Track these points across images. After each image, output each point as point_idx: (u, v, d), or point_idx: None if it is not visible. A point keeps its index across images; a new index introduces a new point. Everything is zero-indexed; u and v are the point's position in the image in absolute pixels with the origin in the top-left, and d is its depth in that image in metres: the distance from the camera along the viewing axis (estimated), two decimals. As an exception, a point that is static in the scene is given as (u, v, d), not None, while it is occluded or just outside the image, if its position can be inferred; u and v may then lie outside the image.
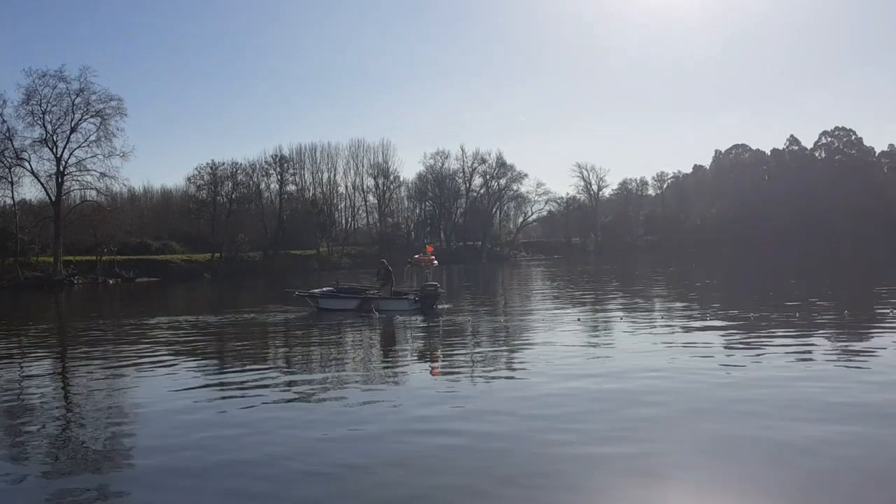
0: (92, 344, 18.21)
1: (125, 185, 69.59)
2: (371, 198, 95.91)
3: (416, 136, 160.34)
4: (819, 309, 19.44)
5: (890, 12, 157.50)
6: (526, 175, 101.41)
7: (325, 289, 26.96)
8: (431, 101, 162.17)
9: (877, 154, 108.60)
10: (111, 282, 60.01)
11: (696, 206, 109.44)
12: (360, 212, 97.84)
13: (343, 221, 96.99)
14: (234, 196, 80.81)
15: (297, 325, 21.54)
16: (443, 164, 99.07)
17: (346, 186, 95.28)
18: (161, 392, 10.99)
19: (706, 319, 18.09)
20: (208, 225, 77.33)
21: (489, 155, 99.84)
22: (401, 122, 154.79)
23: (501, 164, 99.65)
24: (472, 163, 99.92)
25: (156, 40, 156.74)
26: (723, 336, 15.10)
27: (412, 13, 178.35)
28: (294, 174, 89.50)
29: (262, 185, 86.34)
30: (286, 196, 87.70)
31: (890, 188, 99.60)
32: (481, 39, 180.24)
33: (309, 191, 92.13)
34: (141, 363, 14.12)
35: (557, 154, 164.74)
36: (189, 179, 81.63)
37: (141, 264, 65.31)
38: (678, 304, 23.65)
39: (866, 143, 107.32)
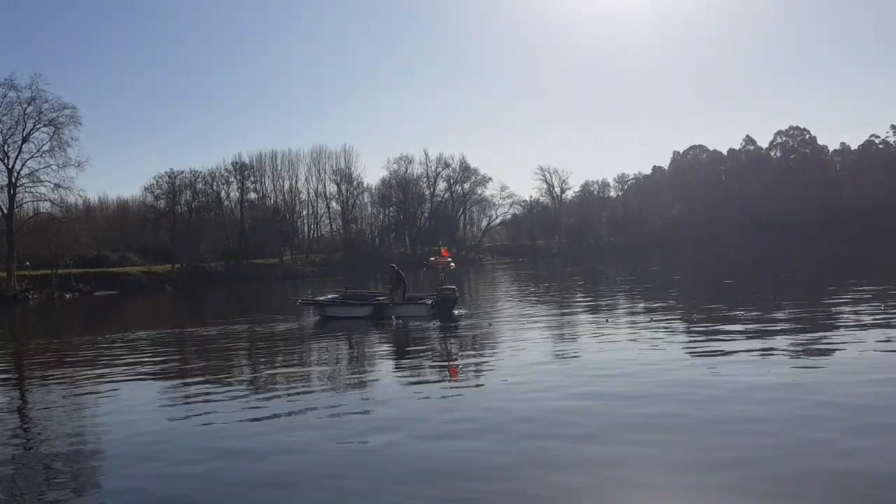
0: (49, 364, 17.38)
1: (80, 196, 67.58)
2: (334, 204, 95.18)
3: (380, 142, 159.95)
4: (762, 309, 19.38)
5: (840, 16, 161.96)
6: (490, 179, 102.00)
7: (330, 296, 25.83)
8: (394, 106, 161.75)
9: (830, 152, 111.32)
10: (68, 296, 58.27)
11: (657, 207, 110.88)
12: (324, 219, 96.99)
13: (306, 229, 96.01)
14: (193, 205, 79.39)
15: (304, 335, 20.55)
16: (406, 169, 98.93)
17: (309, 193, 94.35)
18: (138, 414, 10.42)
19: (693, 322, 18.01)
20: (167, 235, 75.83)
21: (452, 159, 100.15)
22: (363, 128, 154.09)
23: (465, 167, 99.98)
24: (436, 167, 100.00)
25: (111, 47, 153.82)
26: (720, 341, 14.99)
27: (371, 19, 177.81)
28: (255, 182, 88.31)
29: (223, 194, 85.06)
30: (247, 204, 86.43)
31: (843, 185, 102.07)
32: (442, 44, 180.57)
33: (270, 198, 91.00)
34: (110, 382, 13.46)
35: (521, 157, 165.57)
36: (146, 189, 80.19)
37: (98, 277, 63.52)
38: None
39: (819, 141, 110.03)
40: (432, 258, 25.06)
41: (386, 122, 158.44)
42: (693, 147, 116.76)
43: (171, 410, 10.58)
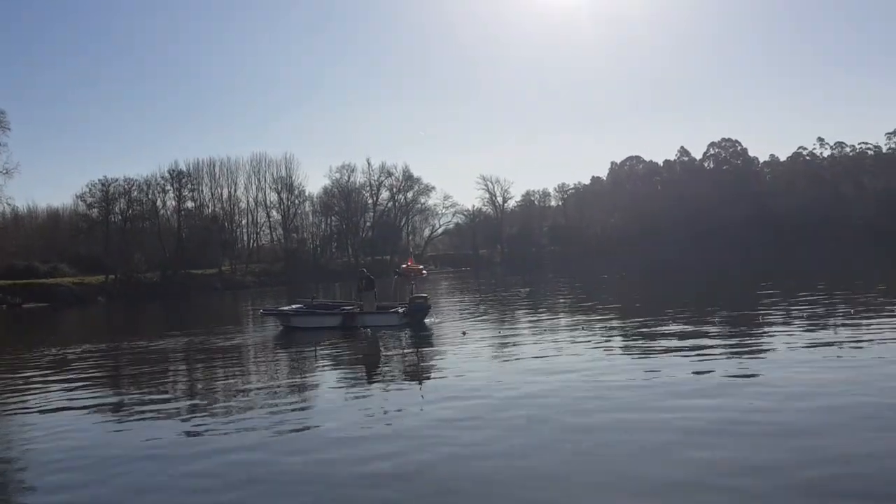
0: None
1: (9, 205, 65.07)
2: (275, 213, 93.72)
3: (322, 151, 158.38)
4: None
5: (771, 32, 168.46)
6: (433, 188, 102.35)
7: (295, 306, 25.06)
8: (336, 115, 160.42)
9: (760, 164, 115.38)
10: (-6, 309, 55.80)
11: (596, 216, 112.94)
12: (264, 228, 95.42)
13: (245, 238, 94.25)
14: (128, 214, 77.13)
15: (267, 347, 19.93)
16: (349, 178, 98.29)
17: (248, 202, 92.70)
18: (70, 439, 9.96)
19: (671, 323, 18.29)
20: (101, 245, 73.41)
21: (395, 168, 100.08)
22: (305, 137, 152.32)
23: (408, 176, 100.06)
24: (379, 176, 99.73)
25: (42, 49, 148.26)
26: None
27: (312, 27, 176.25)
28: (193, 190, 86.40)
29: (159, 202, 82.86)
30: (184, 213, 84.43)
31: (772, 195, 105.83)
32: (386, 54, 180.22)
33: (208, 207, 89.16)
34: (41, 399, 12.84)
35: (464, 166, 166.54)
36: (78, 197, 77.59)
37: (28, 289, 61.02)
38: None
39: (751, 153, 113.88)
40: (403, 265, 24.38)
41: (328, 131, 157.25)
42: (630, 158, 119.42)
43: (112, 430, 10.16)
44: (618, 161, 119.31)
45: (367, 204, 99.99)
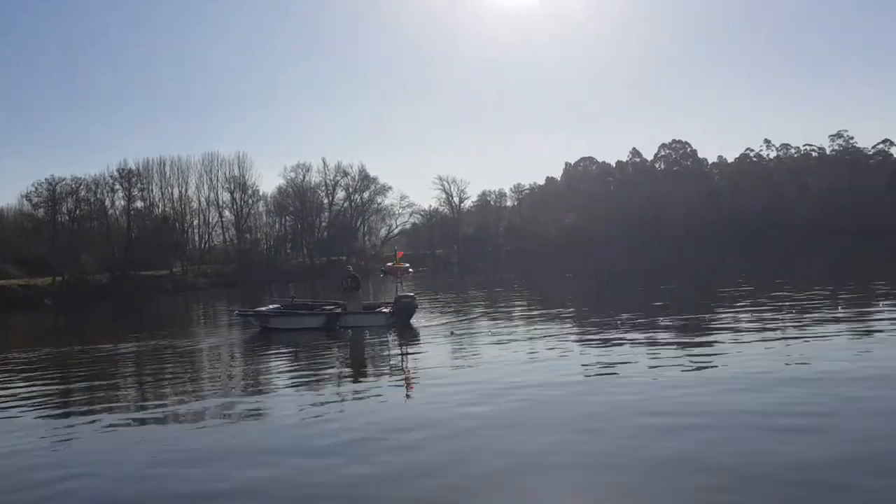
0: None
1: (-52, 205, 62.82)
2: (227, 213, 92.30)
3: (276, 151, 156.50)
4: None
5: (719, 35, 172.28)
6: (390, 187, 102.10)
7: (272, 306, 24.03)
8: (291, 115, 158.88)
9: (709, 165, 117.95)
10: (-67, 313, 53.83)
11: (551, 216, 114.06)
12: (216, 228, 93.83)
13: (197, 239, 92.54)
14: (76, 214, 75.27)
15: (245, 350, 19.26)
16: (304, 178, 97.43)
17: (200, 202, 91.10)
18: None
19: (621, 328, 18.59)
20: (47, 246, 71.44)
21: (351, 167, 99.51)
22: (258, 137, 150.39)
23: (364, 176, 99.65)
24: (335, 175, 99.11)
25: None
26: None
27: (266, 27, 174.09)
28: (143, 189, 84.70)
29: (108, 202, 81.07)
30: (134, 213, 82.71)
31: (721, 196, 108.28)
32: (341, 54, 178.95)
33: (159, 207, 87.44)
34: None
35: (421, 166, 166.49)
36: (24, 196, 75.50)
37: (-31, 291, 59.11)
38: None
39: (700, 154, 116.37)
40: (389, 264, 23.33)
41: (282, 131, 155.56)
42: (584, 159, 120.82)
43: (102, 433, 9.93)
44: (572, 162, 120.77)
45: (323, 204, 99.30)
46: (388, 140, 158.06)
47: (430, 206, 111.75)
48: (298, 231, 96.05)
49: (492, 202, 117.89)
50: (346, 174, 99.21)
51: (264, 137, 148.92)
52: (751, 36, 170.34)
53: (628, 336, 16.41)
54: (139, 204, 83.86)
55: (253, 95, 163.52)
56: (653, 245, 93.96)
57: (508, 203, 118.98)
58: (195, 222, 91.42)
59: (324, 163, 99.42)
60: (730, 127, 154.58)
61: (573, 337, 17.33)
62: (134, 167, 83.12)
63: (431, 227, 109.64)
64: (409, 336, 19.46)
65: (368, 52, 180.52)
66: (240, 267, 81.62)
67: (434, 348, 16.75)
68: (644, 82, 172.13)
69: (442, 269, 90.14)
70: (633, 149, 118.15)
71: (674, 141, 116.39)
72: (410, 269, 23.42)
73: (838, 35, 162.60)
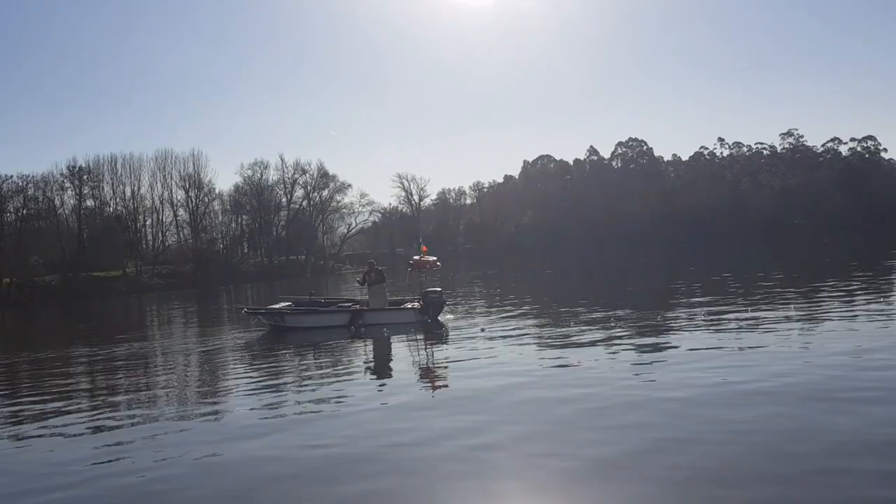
0: None
1: None
2: (182, 212, 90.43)
3: (232, 148, 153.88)
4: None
5: (675, 34, 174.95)
6: (349, 186, 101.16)
7: (283, 304, 22.46)
8: (248, 113, 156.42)
9: (664, 163, 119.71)
10: None
11: (510, 215, 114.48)
12: (171, 227, 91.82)
13: (151, 239, 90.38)
14: (24, 213, 72.90)
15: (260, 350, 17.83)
16: (261, 176, 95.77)
17: (154, 200, 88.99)
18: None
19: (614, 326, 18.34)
20: (-8, 247, 69.07)
21: (310, 165, 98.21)
22: (214, 135, 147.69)
23: (323, 174, 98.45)
24: (293, 173, 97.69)
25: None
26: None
27: (221, 26, 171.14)
28: (94, 188, 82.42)
29: (57, 201, 78.77)
30: (85, 212, 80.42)
31: (677, 193, 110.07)
32: (298, 52, 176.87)
33: (110, 206, 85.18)
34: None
35: (380, 165, 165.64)
36: (-33, 195, 72.68)
37: None
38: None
39: (656, 153, 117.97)
40: (416, 257, 21.64)
41: (239, 129, 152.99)
42: (541, 157, 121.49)
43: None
44: (530, 160, 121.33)
45: (281, 202, 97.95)
46: (347, 138, 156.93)
47: (390, 204, 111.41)
48: (256, 230, 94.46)
49: (451, 200, 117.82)
50: (304, 172, 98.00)
51: (220, 135, 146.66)
52: (703, 36, 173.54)
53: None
54: (90, 203, 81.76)
55: (208, 92, 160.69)
56: (609, 242, 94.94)
57: (468, 201, 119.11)
58: (149, 221, 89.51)
59: (282, 160, 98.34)
60: (684, 126, 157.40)
61: (628, 339, 15.36)
62: (84, 165, 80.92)
63: (391, 226, 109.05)
64: (442, 334, 18.23)
65: (325, 49, 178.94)
66: (196, 267, 79.94)
67: (474, 346, 15.65)
68: (600, 81, 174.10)
69: (402, 268, 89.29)
70: (591, 147, 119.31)
71: (630, 139, 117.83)
72: (439, 263, 21.67)
73: (788, 36, 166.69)
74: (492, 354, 14.43)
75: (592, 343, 14.79)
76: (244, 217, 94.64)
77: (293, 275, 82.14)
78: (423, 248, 21.97)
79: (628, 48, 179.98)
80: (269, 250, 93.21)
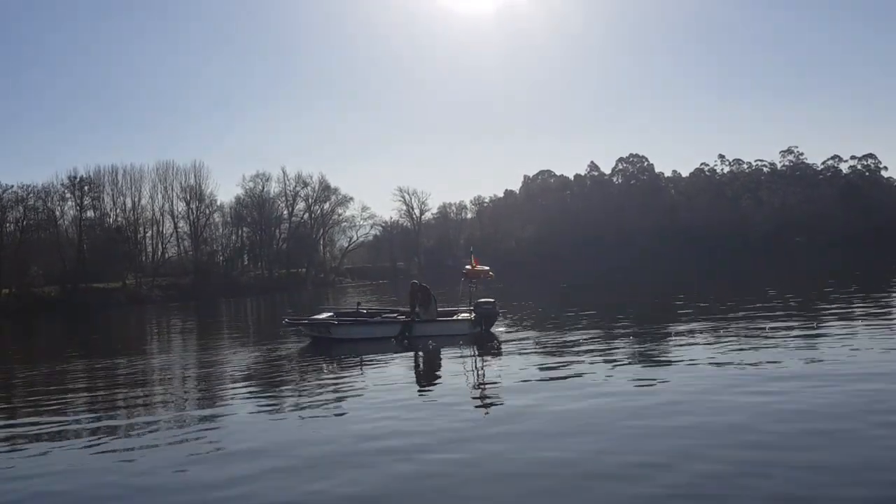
0: None
1: None
2: (183, 224, 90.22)
3: (234, 159, 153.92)
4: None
5: (677, 52, 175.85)
6: (351, 199, 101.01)
7: (326, 314, 21.99)
8: (249, 124, 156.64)
9: (665, 179, 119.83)
10: None
11: (511, 229, 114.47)
12: (171, 239, 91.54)
13: (151, 250, 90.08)
14: (24, 224, 72.68)
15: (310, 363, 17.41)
16: (263, 188, 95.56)
17: (154, 212, 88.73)
18: None
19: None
20: (-8, 257, 68.79)
21: (311, 178, 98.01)
22: (215, 145, 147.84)
23: (325, 187, 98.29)
24: (295, 186, 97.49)
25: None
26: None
27: (221, 35, 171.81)
28: (94, 198, 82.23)
29: (58, 212, 78.60)
30: (86, 223, 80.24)
31: (678, 210, 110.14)
32: (297, 62, 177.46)
33: (111, 217, 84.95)
34: None
35: (382, 178, 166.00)
36: (-32, 206, 72.48)
37: None
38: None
39: (657, 168, 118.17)
40: (468, 267, 21.27)
41: (241, 140, 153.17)
42: (542, 172, 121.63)
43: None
44: (530, 175, 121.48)
45: (283, 215, 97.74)
46: (349, 150, 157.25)
47: (391, 217, 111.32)
48: (257, 242, 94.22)
49: (452, 215, 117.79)
50: (306, 185, 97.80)
51: (222, 146, 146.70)
52: (704, 52, 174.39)
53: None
54: (91, 213, 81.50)
55: (210, 103, 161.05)
56: (610, 258, 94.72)
57: (469, 216, 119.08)
58: (149, 233, 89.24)
59: (283, 173, 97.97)
60: (685, 142, 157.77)
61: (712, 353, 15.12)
62: (85, 175, 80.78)
63: (392, 239, 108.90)
64: (496, 347, 17.93)
65: (325, 60, 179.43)
66: (197, 279, 79.65)
67: (533, 360, 15.39)
68: (601, 96, 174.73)
69: (404, 282, 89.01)
70: (591, 162, 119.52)
71: (631, 155, 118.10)
72: (492, 273, 21.42)
73: (789, 53, 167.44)
74: (548, 367, 14.14)
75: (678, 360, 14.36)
76: (245, 229, 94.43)
77: (294, 288, 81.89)
78: (475, 259, 21.55)
79: (630, 63, 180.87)
80: (269, 263, 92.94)
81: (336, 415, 11.36)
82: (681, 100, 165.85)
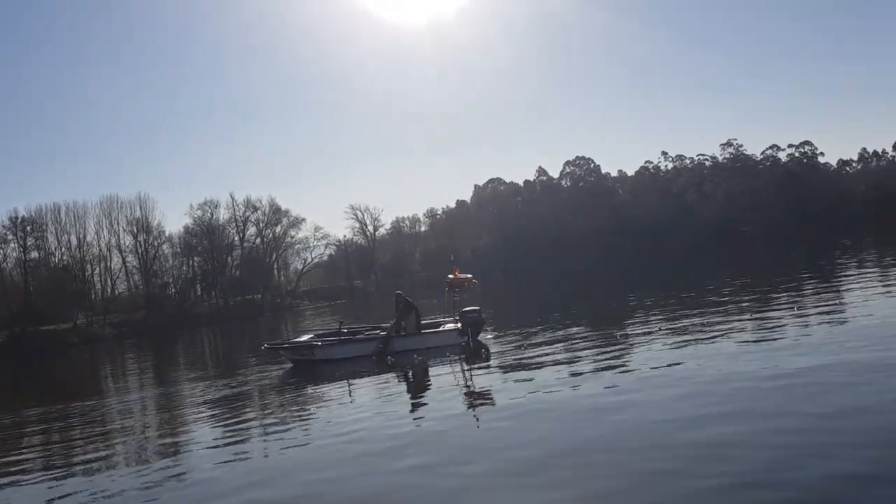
0: None
1: None
2: (131, 258, 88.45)
3: (180, 189, 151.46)
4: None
5: (612, 53, 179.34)
6: (304, 220, 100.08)
7: (307, 337, 21.97)
8: (194, 152, 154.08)
9: (612, 179, 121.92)
10: None
11: (465, 239, 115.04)
12: (120, 274, 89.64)
13: (100, 287, 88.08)
14: (-36, 270, 70.54)
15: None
16: (212, 215, 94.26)
17: (101, 248, 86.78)
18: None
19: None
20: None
21: (261, 202, 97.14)
22: (160, 175, 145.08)
23: (276, 209, 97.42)
24: (245, 211, 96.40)
25: None
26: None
27: (159, 60, 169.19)
28: (38, 238, 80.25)
29: (0, 255, 76.44)
30: (30, 264, 78.19)
31: (626, 209, 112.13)
32: (239, 86, 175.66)
33: (56, 256, 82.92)
34: None
35: (333, 197, 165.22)
36: None
37: None
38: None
39: (603, 169, 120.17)
40: (450, 276, 21.25)
41: (186, 169, 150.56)
42: (492, 180, 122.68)
43: None
44: (480, 183, 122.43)
45: (234, 241, 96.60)
46: (298, 172, 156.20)
47: (345, 236, 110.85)
48: (209, 271, 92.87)
49: (406, 229, 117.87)
50: (256, 209, 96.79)
51: (167, 177, 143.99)
52: (640, 52, 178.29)
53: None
54: (35, 254, 79.51)
55: (152, 134, 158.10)
56: (564, 261, 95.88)
57: (423, 228, 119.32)
58: (97, 270, 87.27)
59: (232, 198, 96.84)
60: (629, 141, 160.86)
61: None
62: (27, 215, 78.79)
63: (347, 258, 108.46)
64: (486, 355, 17.88)
65: (267, 82, 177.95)
66: (149, 314, 78.19)
67: (519, 367, 15.35)
68: (542, 101, 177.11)
69: (362, 300, 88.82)
70: (540, 167, 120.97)
71: (578, 157, 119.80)
72: (475, 281, 21.36)
73: (723, 49, 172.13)
74: (534, 376, 14.11)
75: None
76: (196, 259, 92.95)
77: (250, 315, 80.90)
78: (456, 270, 21.56)
79: (568, 66, 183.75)
80: (223, 291, 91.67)
81: (330, 439, 11.18)
82: (621, 99, 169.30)
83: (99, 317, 77.56)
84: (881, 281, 23.55)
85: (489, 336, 20.94)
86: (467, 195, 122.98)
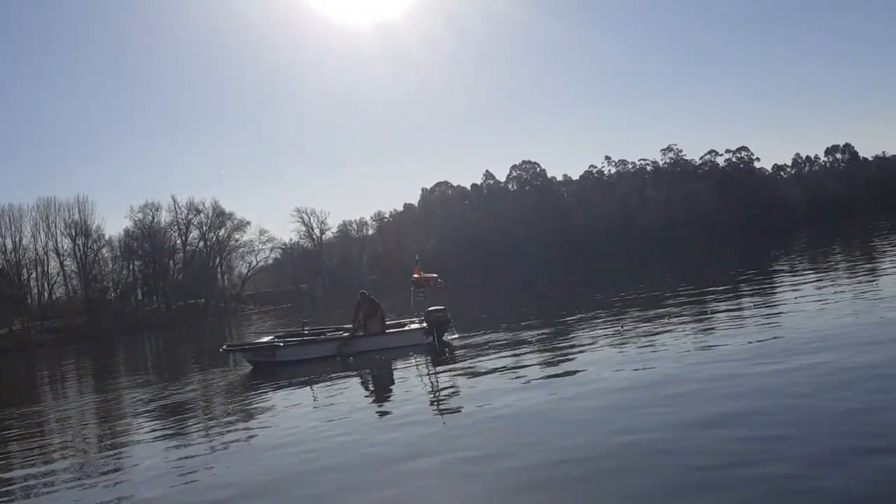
0: None
1: None
2: (70, 262, 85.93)
3: (121, 191, 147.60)
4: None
5: (560, 56, 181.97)
6: (248, 223, 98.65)
7: (267, 338, 21.40)
8: (135, 155, 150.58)
9: (557, 183, 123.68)
10: None
11: (413, 242, 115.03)
12: (58, 279, 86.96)
13: (37, 292, 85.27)
14: None
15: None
16: (153, 218, 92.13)
17: (38, 251, 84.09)
18: None
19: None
20: None
21: (204, 204, 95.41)
22: (101, 178, 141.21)
23: (219, 213, 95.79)
24: (187, 214, 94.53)
25: None
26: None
27: (99, 65, 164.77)
28: (-30, 243, 77.33)
29: (-71, 261, 73.31)
30: (-38, 270, 75.28)
31: (571, 212, 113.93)
32: (183, 88, 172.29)
33: (-11, 261, 79.96)
34: None
35: (278, 201, 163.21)
36: None
37: None
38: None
39: (549, 174, 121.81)
40: (416, 276, 21.03)
41: (127, 172, 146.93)
42: (439, 183, 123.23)
43: None
44: (428, 187, 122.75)
45: (176, 244, 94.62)
46: (242, 175, 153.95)
47: (291, 239, 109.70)
48: (150, 275, 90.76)
49: (353, 232, 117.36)
50: (198, 212, 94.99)
51: (107, 179, 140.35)
52: (583, 59, 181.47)
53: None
54: (-34, 259, 76.57)
55: (92, 136, 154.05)
56: (510, 263, 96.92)
57: (370, 232, 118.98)
58: (33, 274, 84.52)
59: (174, 201, 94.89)
60: (574, 146, 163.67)
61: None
62: (-44, 220, 75.81)
63: (294, 261, 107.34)
64: (449, 354, 17.73)
65: (211, 84, 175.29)
66: (90, 319, 76.06)
67: (486, 366, 15.24)
68: (488, 106, 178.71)
69: (309, 304, 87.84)
70: (487, 171, 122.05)
71: (524, 162, 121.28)
72: (441, 280, 21.22)
73: (662, 56, 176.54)
74: (505, 373, 14.09)
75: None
76: (137, 263, 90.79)
77: (193, 320, 79.38)
78: (416, 270, 21.22)
79: (512, 71, 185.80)
80: (165, 296, 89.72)
81: (294, 442, 10.89)
82: (566, 104, 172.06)
83: (36, 322, 75.14)
84: (813, 282, 24.27)
85: (455, 335, 20.49)
86: (415, 199, 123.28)
